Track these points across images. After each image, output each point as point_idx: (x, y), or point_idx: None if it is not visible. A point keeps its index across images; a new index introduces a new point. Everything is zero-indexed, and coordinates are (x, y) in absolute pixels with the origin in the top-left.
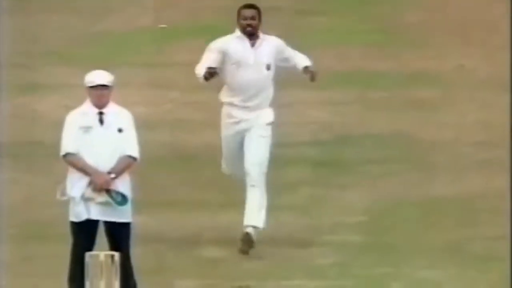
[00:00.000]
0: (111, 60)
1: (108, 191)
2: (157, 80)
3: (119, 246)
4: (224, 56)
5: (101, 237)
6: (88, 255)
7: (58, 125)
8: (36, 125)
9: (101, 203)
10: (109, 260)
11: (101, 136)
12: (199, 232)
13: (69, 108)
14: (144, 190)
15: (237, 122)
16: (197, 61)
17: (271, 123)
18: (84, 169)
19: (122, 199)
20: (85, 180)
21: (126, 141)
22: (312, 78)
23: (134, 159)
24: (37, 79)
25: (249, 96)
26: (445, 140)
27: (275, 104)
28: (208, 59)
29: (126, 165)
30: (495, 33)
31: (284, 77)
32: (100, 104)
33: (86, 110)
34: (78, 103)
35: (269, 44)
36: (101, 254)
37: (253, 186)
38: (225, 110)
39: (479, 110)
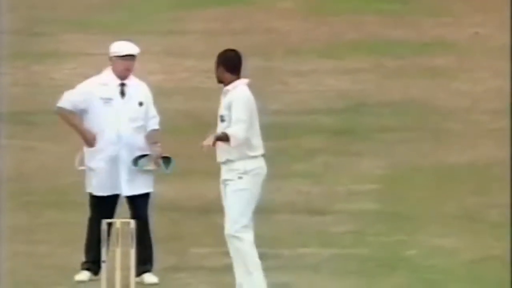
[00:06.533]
0: (127, 28)
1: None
2: (173, 48)
3: (139, 214)
4: None
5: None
6: (104, 222)
7: None
8: (53, 93)
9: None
10: (126, 227)
11: (121, 108)
12: (214, 200)
13: (86, 76)
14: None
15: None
16: (212, 29)
17: (243, 174)
18: (78, 130)
19: (169, 164)
20: (104, 152)
21: (149, 115)
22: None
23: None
24: (54, 46)
25: (218, 152)
26: (460, 107)
27: (291, 73)
28: None
29: (157, 137)
30: (510, 1)
31: (300, 46)
32: (124, 75)
33: (107, 81)
34: (95, 71)
35: (230, 95)
36: (117, 222)
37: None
38: None
39: (494, 77)
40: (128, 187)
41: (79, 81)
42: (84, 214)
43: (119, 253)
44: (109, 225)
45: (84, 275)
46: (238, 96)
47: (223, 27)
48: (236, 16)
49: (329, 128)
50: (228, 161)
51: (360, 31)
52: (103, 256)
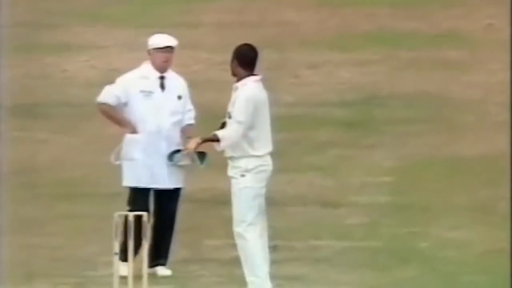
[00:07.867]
0: (138, 21)
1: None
2: (186, 41)
3: (170, 208)
4: None
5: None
6: (116, 215)
7: (87, 86)
8: (66, 85)
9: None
10: (138, 220)
11: (162, 101)
12: (227, 192)
13: (97, 68)
14: None
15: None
16: (224, 21)
17: (245, 172)
18: (119, 121)
19: (204, 159)
20: (145, 144)
21: (186, 109)
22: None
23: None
24: (66, 39)
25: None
26: (472, 99)
27: (304, 65)
28: None
29: (191, 132)
30: None
31: (312, 38)
32: (163, 68)
33: (147, 74)
34: (106, 63)
35: (237, 93)
36: (130, 215)
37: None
38: None
39: (507, 69)
40: (169, 180)
41: (91, 74)
42: (95, 206)
43: (131, 246)
44: (139, 219)
45: (125, 270)
46: (241, 95)
47: (235, 19)
48: (249, 8)
49: (342, 120)
50: (232, 158)
51: (373, 22)
52: (116, 248)
